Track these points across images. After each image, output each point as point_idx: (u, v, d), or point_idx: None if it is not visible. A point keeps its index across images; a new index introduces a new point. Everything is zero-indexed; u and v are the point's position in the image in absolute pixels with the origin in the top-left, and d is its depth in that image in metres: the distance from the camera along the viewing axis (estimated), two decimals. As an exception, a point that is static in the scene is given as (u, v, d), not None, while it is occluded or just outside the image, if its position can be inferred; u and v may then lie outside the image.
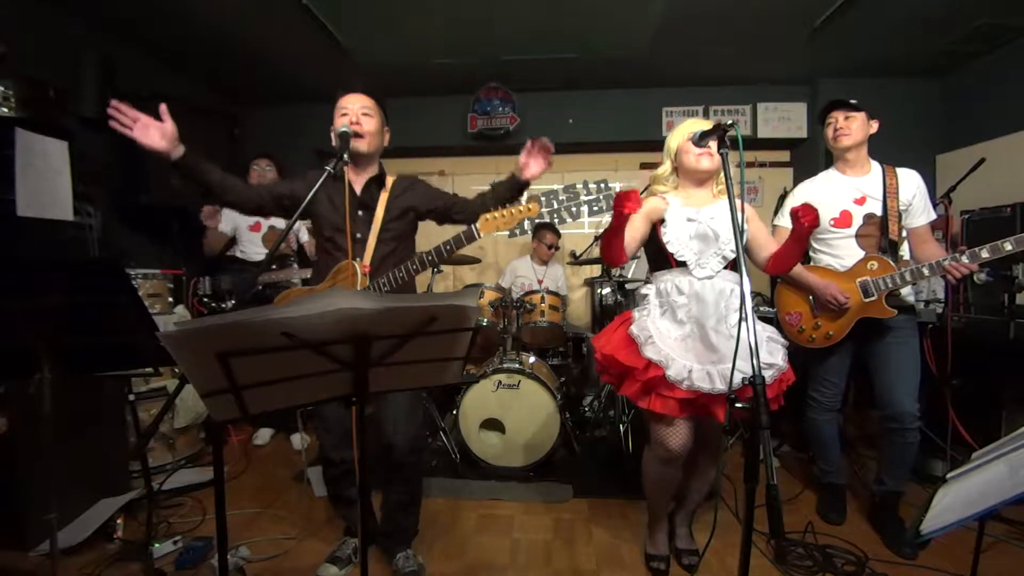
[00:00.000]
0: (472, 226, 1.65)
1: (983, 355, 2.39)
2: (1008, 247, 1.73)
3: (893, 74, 3.70)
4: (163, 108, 1.48)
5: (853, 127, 1.96)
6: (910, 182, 1.98)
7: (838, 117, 1.99)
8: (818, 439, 2.19)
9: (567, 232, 4.52)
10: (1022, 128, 3.11)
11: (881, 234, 1.96)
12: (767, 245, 1.70)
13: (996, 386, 2.39)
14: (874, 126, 2.00)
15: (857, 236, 1.99)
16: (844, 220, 2.00)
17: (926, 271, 1.85)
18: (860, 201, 1.99)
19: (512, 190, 1.78)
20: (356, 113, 1.66)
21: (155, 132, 1.48)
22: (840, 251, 2.02)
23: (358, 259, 1.66)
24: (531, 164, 1.74)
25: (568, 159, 4.53)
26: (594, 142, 4.30)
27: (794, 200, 2.10)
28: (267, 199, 1.72)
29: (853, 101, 1.99)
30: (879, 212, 1.96)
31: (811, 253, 2.14)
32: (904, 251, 2.01)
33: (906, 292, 1.97)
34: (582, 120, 4.26)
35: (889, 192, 1.95)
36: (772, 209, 3.59)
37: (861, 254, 1.97)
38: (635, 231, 1.68)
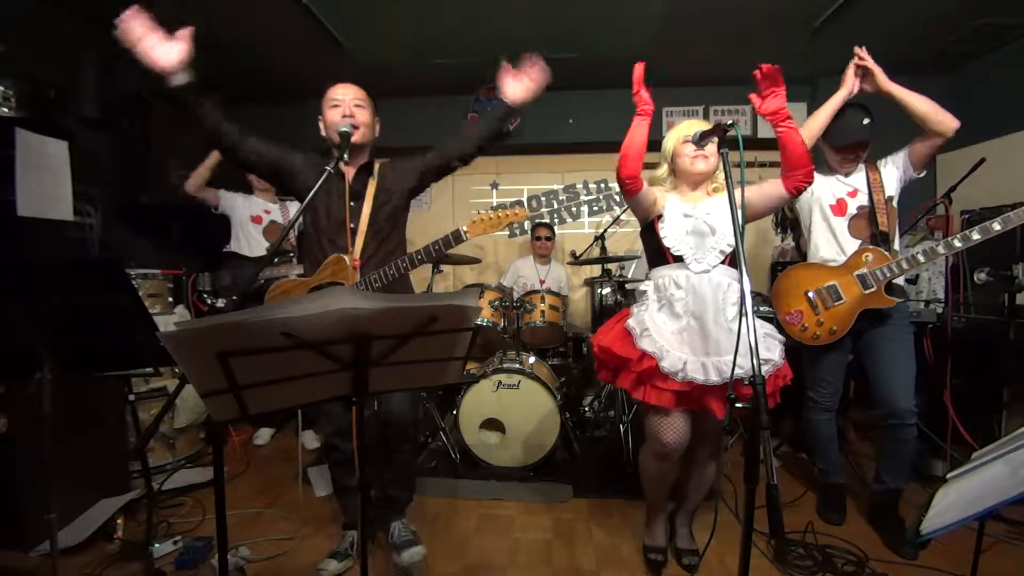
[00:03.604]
0: (460, 228, 1.67)
1: (983, 355, 2.39)
2: (997, 227, 1.77)
3: (893, 74, 3.66)
4: (186, 32, 1.43)
5: (866, 151, 2.07)
6: (886, 170, 2.07)
7: (854, 152, 2.07)
8: (816, 438, 2.20)
9: (567, 232, 4.53)
10: (1022, 128, 3.11)
11: (871, 224, 2.01)
12: (772, 183, 1.66)
13: (996, 386, 2.39)
14: None
15: (849, 225, 2.06)
16: (840, 208, 2.08)
17: (921, 257, 1.89)
18: (852, 194, 2.08)
19: (497, 118, 1.72)
20: (348, 105, 1.65)
21: (164, 49, 1.41)
22: (835, 236, 2.08)
23: (349, 253, 1.66)
24: (510, 82, 1.67)
25: (568, 159, 4.53)
26: (594, 142, 4.28)
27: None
28: (262, 162, 1.68)
29: (867, 134, 2.02)
30: (868, 204, 2.04)
31: (810, 249, 2.16)
32: (896, 243, 2.04)
33: (902, 282, 2.03)
34: (582, 120, 4.26)
35: (874, 187, 2.03)
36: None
37: (853, 240, 2.03)
38: (648, 189, 1.69)
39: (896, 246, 2.02)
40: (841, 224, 2.07)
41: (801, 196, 2.12)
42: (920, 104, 1.91)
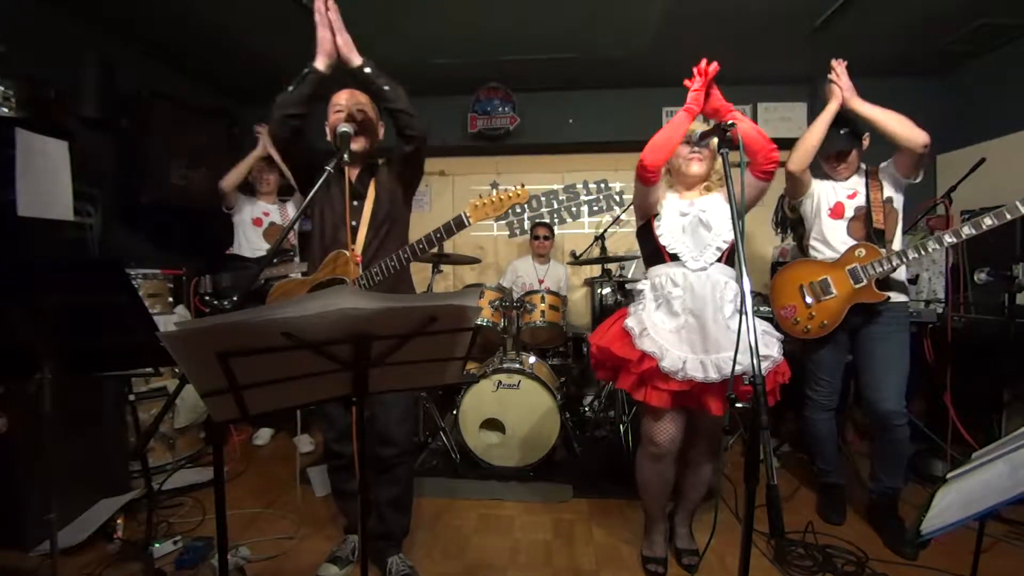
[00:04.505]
0: (462, 213, 1.65)
1: (983, 355, 2.39)
2: (988, 222, 1.78)
3: (893, 74, 3.70)
4: (349, 40, 1.54)
5: (849, 159, 2.08)
6: (883, 175, 2.08)
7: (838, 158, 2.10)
8: (815, 438, 2.20)
9: (567, 232, 4.52)
10: (1022, 128, 3.11)
11: (867, 224, 2.03)
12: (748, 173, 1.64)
13: (996, 386, 2.39)
14: (865, 141, 2.08)
15: (848, 226, 2.08)
16: (838, 211, 2.11)
17: (912, 253, 1.91)
18: (852, 196, 2.10)
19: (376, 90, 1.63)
20: (350, 109, 1.68)
21: (331, 42, 1.54)
22: (833, 239, 2.10)
23: (351, 248, 1.66)
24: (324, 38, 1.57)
25: (568, 159, 4.53)
26: (594, 142, 4.29)
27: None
28: (304, 159, 1.71)
29: (844, 144, 2.04)
30: (865, 205, 2.06)
31: (810, 251, 2.17)
32: (896, 242, 2.04)
33: (902, 280, 2.03)
34: (582, 120, 4.26)
35: (872, 188, 2.05)
36: (772, 209, 3.59)
37: (851, 241, 2.05)
38: (659, 186, 1.70)
39: (896, 246, 2.02)
40: (840, 227, 2.08)
41: (804, 200, 2.15)
42: (888, 122, 1.89)
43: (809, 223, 2.19)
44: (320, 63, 1.56)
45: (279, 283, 1.82)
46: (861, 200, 2.06)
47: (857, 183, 2.09)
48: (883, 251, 1.96)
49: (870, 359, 2.01)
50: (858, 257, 1.99)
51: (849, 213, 2.08)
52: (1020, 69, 3.20)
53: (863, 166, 2.11)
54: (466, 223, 1.64)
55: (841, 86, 1.97)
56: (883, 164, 2.09)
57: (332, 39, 1.54)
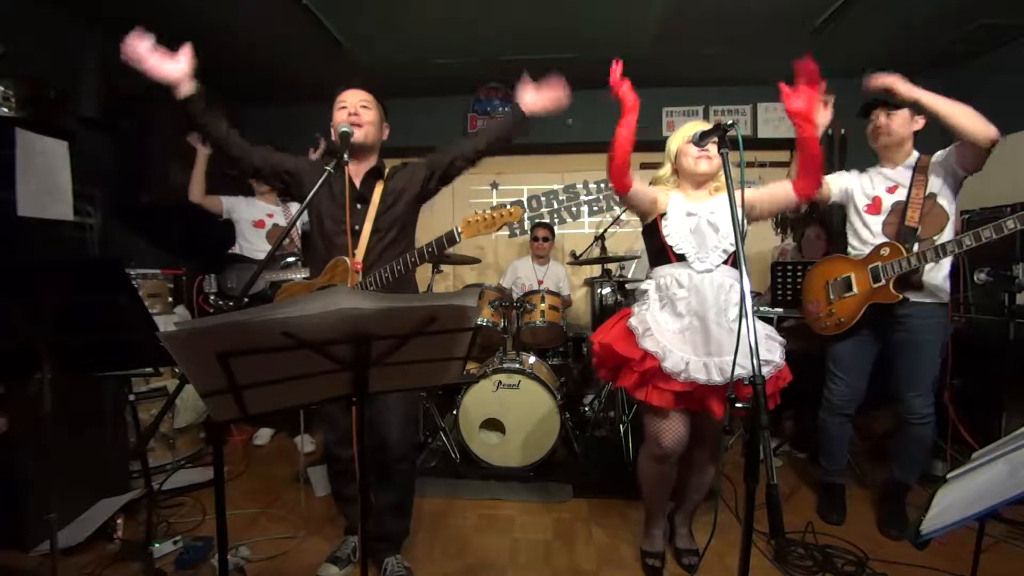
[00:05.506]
0: (454, 228, 1.63)
1: (983, 355, 2.39)
2: (987, 234, 1.74)
3: (893, 74, 3.70)
4: (187, 48, 1.58)
5: (894, 126, 1.97)
6: (933, 166, 1.96)
7: (879, 115, 2.01)
8: (826, 439, 2.20)
9: (567, 232, 4.52)
10: (1022, 128, 3.10)
11: (900, 220, 1.96)
12: (780, 185, 1.66)
13: (996, 386, 2.39)
14: (919, 122, 1.97)
15: (884, 222, 2.01)
16: (875, 207, 2.03)
17: (929, 256, 1.84)
18: (892, 190, 2.01)
19: (509, 122, 1.81)
20: (355, 105, 1.68)
21: (170, 64, 1.57)
22: (868, 235, 2.04)
23: (352, 255, 1.65)
24: (530, 92, 1.77)
25: (568, 159, 4.53)
26: (594, 142, 4.27)
27: (829, 179, 2.09)
28: (267, 168, 1.74)
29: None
30: (904, 200, 1.97)
31: (848, 247, 2.14)
32: (945, 235, 1.93)
33: (939, 283, 1.95)
34: (582, 120, 4.25)
35: (916, 182, 1.95)
36: (772, 209, 3.59)
37: (885, 237, 2.00)
38: (644, 190, 1.70)
39: (944, 240, 1.91)
40: (876, 222, 2.02)
41: (836, 194, 2.09)
42: (954, 114, 1.77)
43: (848, 219, 2.13)
44: (180, 92, 1.61)
45: (284, 286, 1.82)
46: (902, 195, 1.97)
47: (901, 176, 1.99)
48: (909, 249, 1.88)
49: (899, 359, 1.99)
50: (882, 256, 1.94)
51: (887, 208, 1.99)
52: (1020, 69, 3.20)
53: (916, 153, 1.99)
54: (457, 239, 1.62)
55: (891, 83, 1.82)
56: (937, 156, 1.95)
57: (163, 66, 1.58)
